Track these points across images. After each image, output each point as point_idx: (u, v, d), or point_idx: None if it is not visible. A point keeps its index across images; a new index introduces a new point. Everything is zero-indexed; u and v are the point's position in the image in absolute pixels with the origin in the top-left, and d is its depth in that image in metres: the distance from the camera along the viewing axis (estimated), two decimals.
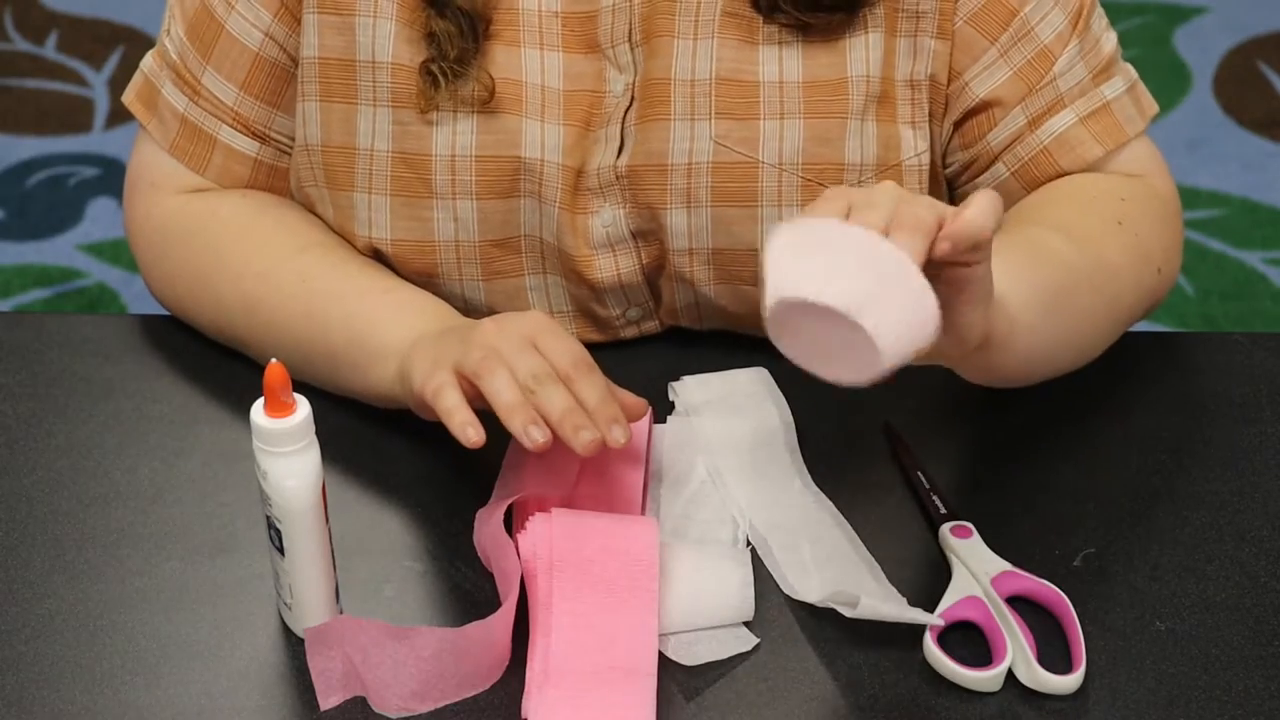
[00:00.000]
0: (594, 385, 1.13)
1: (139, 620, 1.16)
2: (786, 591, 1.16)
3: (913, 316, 0.99)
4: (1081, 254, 1.24)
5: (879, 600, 1.13)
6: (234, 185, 1.37)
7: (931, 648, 1.12)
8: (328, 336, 1.27)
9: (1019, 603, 1.15)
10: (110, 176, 2.89)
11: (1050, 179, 1.32)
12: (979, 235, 1.02)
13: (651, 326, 1.37)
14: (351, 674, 1.10)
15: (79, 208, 2.84)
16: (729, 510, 1.22)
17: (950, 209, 1.04)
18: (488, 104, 1.27)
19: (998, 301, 1.10)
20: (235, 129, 1.34)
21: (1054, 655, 1.12)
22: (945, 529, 1.20)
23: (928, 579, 1.17)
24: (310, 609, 1.13)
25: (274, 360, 1.07)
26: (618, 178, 1.29)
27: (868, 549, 1.19)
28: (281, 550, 1.11)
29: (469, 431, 1.11)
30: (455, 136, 1.28)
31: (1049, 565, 1.19)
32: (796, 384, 1.30)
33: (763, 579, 1.17)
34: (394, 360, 1.22)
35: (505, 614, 1.10)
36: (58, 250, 2.76)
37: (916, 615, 1.12)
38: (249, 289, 1.31)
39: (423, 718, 1.10)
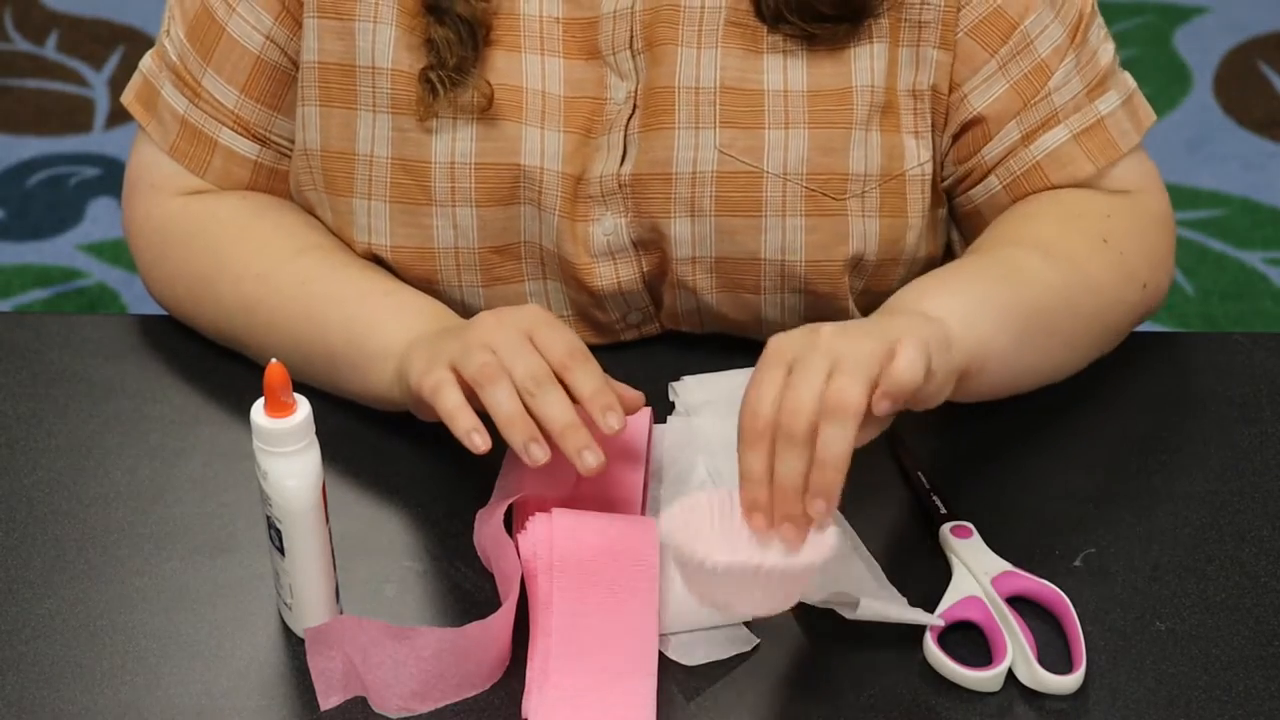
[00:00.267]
0: (590, 375, 1.13)
1: (139, 620, 1.16)
2: None
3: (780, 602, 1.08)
4: (1060, 273, 1.24)
5: (879, 601, 1.13)
6: (234, 188, 1.37)
7: (931, 648, 1.12)
8: (327, 338, 1.27)
9: (1019, 603, 1.15)
10: (110, 176, 2.89)
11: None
12: (913, 385, 1.07)
13: (652, 329, 1.37)
14: (351, 674, 1.10)
15: (79, 208, 2.84)
16: None
17: (881, 364, 1.07)
18: (487, 111, 1.27)
19: (961, 332, 1.13)
20: (236, 131, 1.34)
21: (1054, 655, 1.12)
22: (945, 529, 1.20)
23: (928, 579, 1.17)
24: (310, 609, 1.13)
25: (274, 360, 1.07)
26: (620, 186, 1.28)
27: (868, 549, 1.19)
28: (281, 550, 1.11)
29: (475, 438, 1.11)
30: (455, 143, 1.28)
31: (1049, 565, 1.18)
32: None
33: None
34: (392, 361, 1.22)
35: (505, 614, 1.10)
36: (58, 250, 2.76)
37: (917, 615, 1.13)
38: (248, 291, 1.31)
39: (423, 718, 1.10)
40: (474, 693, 1.11)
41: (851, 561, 1.18)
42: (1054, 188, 1.31)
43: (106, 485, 1.26)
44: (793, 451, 1.06)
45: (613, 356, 1.29)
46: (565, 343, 1.14)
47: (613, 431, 1.11)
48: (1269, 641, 1.14)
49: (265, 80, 1.33)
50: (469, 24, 1.26)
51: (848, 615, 1.11)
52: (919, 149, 1.30)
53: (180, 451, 1.28)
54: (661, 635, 1.13)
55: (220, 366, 1.34)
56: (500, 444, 1.13)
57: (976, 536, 1.19)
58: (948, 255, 1.40)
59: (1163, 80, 3.08)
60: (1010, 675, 1.11)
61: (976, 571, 1.16)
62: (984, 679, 1.10)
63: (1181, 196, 2.82)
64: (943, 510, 1.21)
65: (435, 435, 1.17)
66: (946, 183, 1.35)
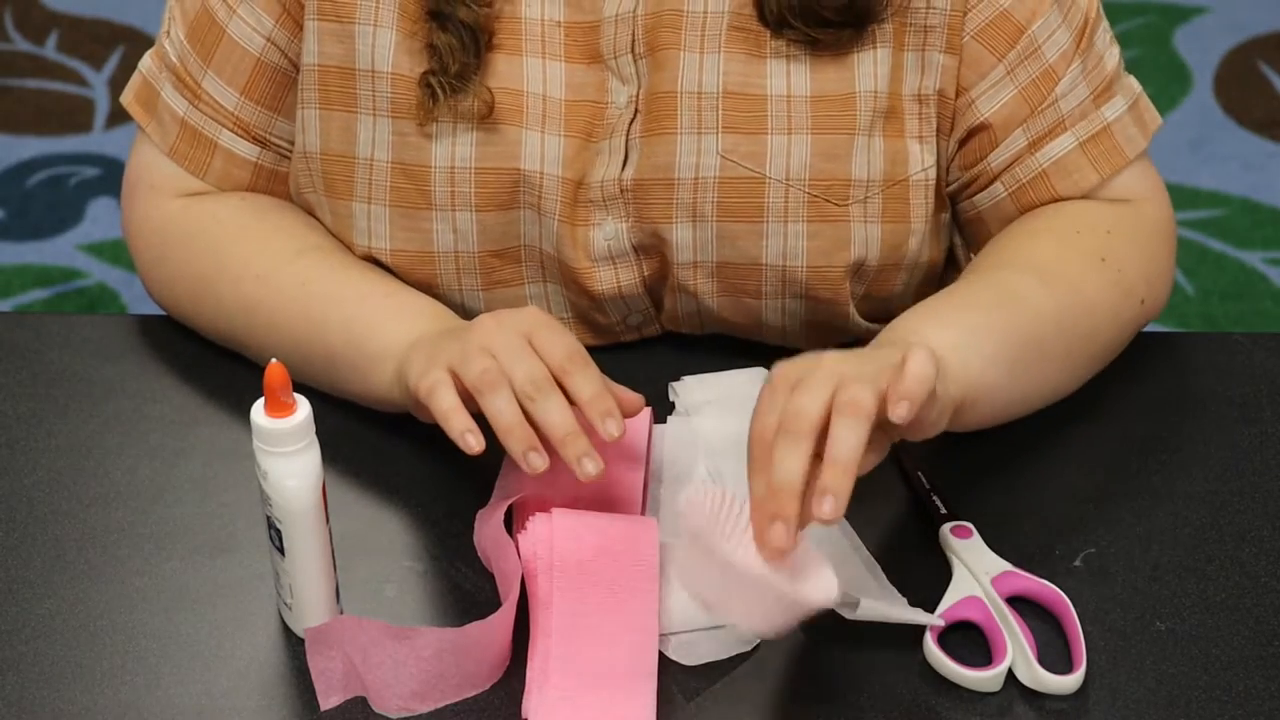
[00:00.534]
0: (589, 380, 1.13)
1: (139, 620, 1.16)
2: None
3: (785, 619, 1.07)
4: (1055, 297, 1.24)
5: (879, 601, 1.13)
6: (234, 189, 1.37)
7: (932, 648, 1.12)
8: (326, 339, 1.27)
9: (1019, 603, 1.15)
10: (110, 176, 2.89)
11: (1045, 204, 1.32)
12: (928, 385, 1.05)
13: (652, 331, 1.37)
14: (352, 674, 1.10)
15: (79, 208, 2.84)
16: None
17: (889, 374, 1.06)
18: (487, 118, 1.27)
19: (955, 366, 1.13)
20: (236, 133, 1.34)
21: (1054, 655, 1.12)
22: (945, 529, 1.20)
23: (928, 579, 1.17)
24: (310, 609, 1.13)
25: (274, 360, 1.07)
26: (622, 191, 1.28)
27: (868, 549, 1.19)
28: (282, 550, 1.11)
29: (469, 439, 1.11)
30: (455, 148, 1.28)
31: (1049, 565, 1.19)
32: None
33: None
34: (392, 362, 1.22)
35: (505, 614, 1.10)
36: (58, 250, 2.76)
37: (917, 616, 1.13)
38: (248, 291, 1.31)
39: (423, 718, 1.10)
40: (474, 693, 1.11)
41: (851, 561, 1.18)
42: (1059, 198, 1.31)
43: (106, 485, 1.26)
44: (792, 449, 1.03)
45: (612, 357, 1.29)
46: (564, 346, 1.14)
47: (612, 438, 1.11)
48: (1269, 641, 1.14)
49: (265, 82, 1.33)
50: (471, 29, 1.26)
51: (848, 615, 1.11)
52: (923, 154, 1.30)
53: (180, 451, 1.28)
54: (661, 635, 1.13)
55: (220, 366, 1.34)
56: (497, 444, 1.13)
57: (976, 536, 1.19)
58: (950, 260, 1.40)
59: (1163, 80, 3.08)
60: (1010, 675, 1.11)
61: (976, 571, 1.16)
62: (984, 679, 1.10)
63: (1182, 196, 2.82)
64: (943, 510, 1.21)
65: (435, 435, 1.17)
66: (951, 188, 1.34)
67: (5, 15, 3.26)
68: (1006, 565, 1.17)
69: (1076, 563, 1.20)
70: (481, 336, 1.15)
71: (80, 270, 2.72)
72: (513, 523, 1.18)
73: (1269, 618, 1.16)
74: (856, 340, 1.34)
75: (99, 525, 1.23)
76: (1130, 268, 1.30)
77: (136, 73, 1.38)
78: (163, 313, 1.39)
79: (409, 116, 1.28)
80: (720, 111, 1.27)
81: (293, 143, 1.35)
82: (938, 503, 1.22)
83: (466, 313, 1.31)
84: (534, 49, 1.27)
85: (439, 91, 1.26)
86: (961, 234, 1.39)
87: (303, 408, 1.07)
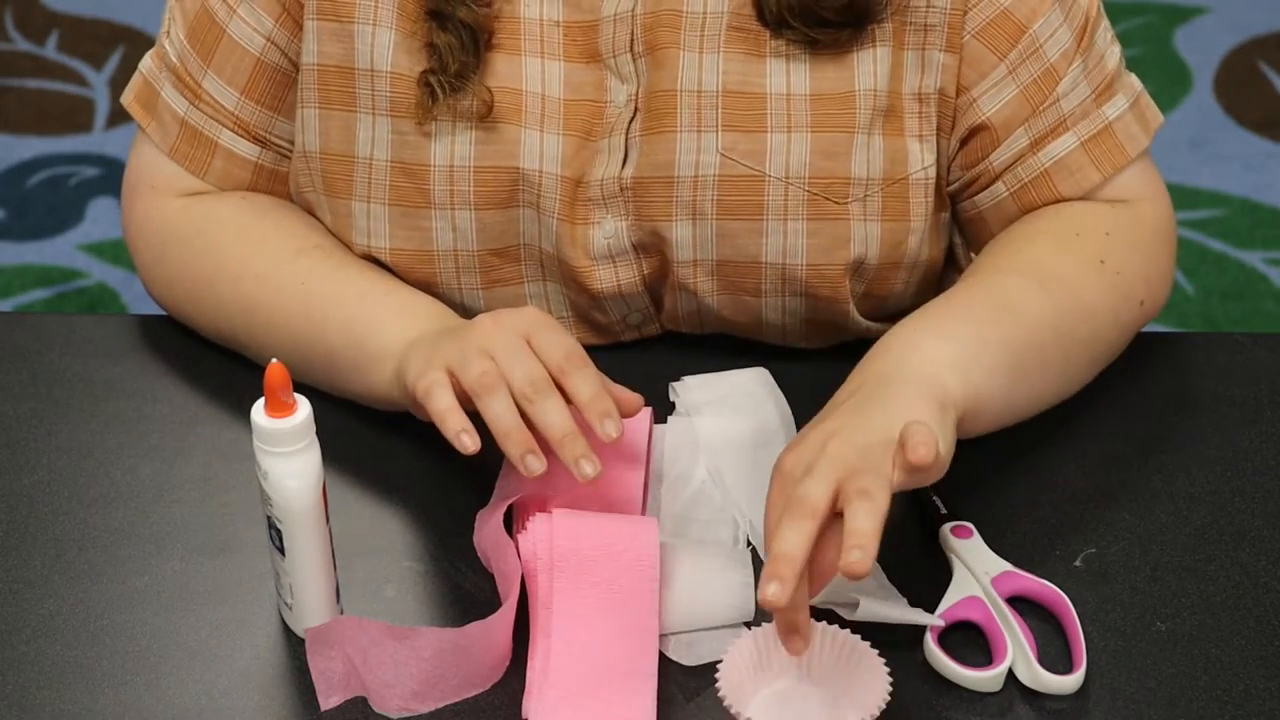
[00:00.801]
0: (587, 380, 1.13)
1: (139, 620, 1.16)
2: None
3: None
4: (1053, 302, 1.24)
5: (880, 601, 1.13)
6: (234, 189, 1.37)
7: (932, 648, 1.12)
8: (326, 339, 1.27)
9: (1019, 603, 1.15)
10: (111, 176, 2.89)
11: (1047, 203, 1.32)
12: (936, 455, 1.06)
13: (652, 330, 1.37)
14: (352, 674, 1.10)
15: (79, 208, 2.84)
16: (729, 510, 1.22)
17: (894, 443, 1.08)
18: (486, 117, 1.27)
19: (954, 378, 1.15)
20: (236, 133, 1.34)
21: (1054, 655, 1.12)
22: (945, 529, 1.20)
23: (928, 579, 1.17)
24: (310, 609, 1.13)
25: (275, 360, 1.07)
26: (621, 189, 1.28)
27: None
28: (282, 550, 1.11)
29: (464, 439, 1.11)
30: (454, 147, 1.28)
31: (1049, 565, 1.19)
32: (797, 384, 1.30)
33: None
34: (391, 362, 1.22)
35: (505, 614, 1.10)
36: (58, 250, 2.76)
37: (917, 616, 1.13)
38: (248, 291, 1.31)
39: (423, 718, 1.10)
40: (474, 693, 1.11)
41: None
42: (1061, 197, 1.31)
43: (106, 485, 1.26)
44: (796, 526, 1.05)
45: (612, 357, 1.29)
46: (563, 347, 1.14)
47: (610, 439, 1.12)
48: (1269, 641, 1.14)
49: (266, 82, 1.33)
50: (470, 29, 1.26)
51: (848, 615, 1.11)
52: (923, 153, 1.30)
53: (180, 451, 1.28)
54: (661, 635, 1.13)
55: (220, 366, 1.34)
56: (497, 445, 1.13)
57: (976, 536, 1.19)
58: (950, 259, 1.40)
59: (1163, 80, 3.08)
60: (1010, 675, 1.11)
61: (977, 571, 1.16)
62: (984, 679, 1.10)
63: (1182, 196, 2.82)
64: (943, 510, 1.21)
65: (435, 435, 1.17)
66: (952, 187, 1.34)
67: (5, 15, 3.26)
68: (1006, 565, 1.17)
69: (1076, 563, 1.20)
70: (480, 337, 1.15)
71: (80, 270, 2.72)
72: (513, 523, 1.18)
73: (1269, 618, 1.16)
74: (856, 339, 1.34)
75: (99, 525, 1.23)
76: (1129, 270, 1.30)
77: (137, 73, 1.38)
78: (163, 313, 1.39)
79: (408, 116, 1.28)
80: (720, 110, 1.27)
81: (293, 142, 1.35)
82: (938, 503, 1.22)
83: (466, 311, 1.31)
84: (533, 48, 1.27)
85: (438, 91, 1.26)
86: (962, 233, 1.39)
87: (303, 408, 1.07)
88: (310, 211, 1.36)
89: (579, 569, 1.12)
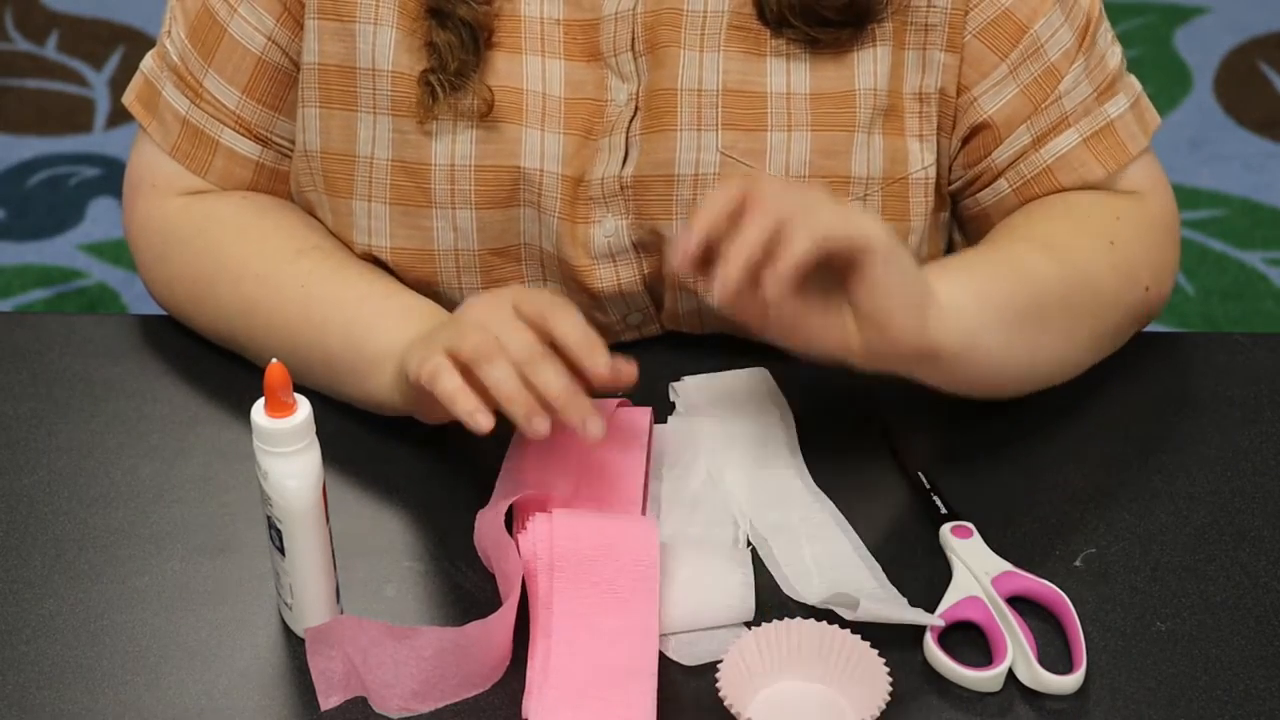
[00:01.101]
0: (572, 326, 1.12)
1: (139, 620, 1.16)
2: (787, 592, 1.16)
3: None
4: (1063, 272, 1.24)
5: (880, 602, 1.13)
6: (235, 188, 1.37)
7: (932, 648, 1.12)
8: (325, 342, 1.27)
9: (1019, 603, 1.15)
10: (111, 176, 2.89)
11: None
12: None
13: (652, 330, 1.37)
14: (352, 674, 1.10)
15: (80, 208, 2.84)
16: (729, 510, 1.22)
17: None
18: (486, 115, 1.27)
19: (950, 314, 1.14)
20: (237, 132, 1.34)
21: (1054, 655, 1.12)
22: (945, 529, 1.20)
23: (928, 579, 1.17)
24: (310, 609, 1.13)
25: (275, 360, 1.07)
26: (622, 188, 1.28)
27: (868, 549, 1.19)
28: (282, 550, 1.11)
29: (479, 418, 1.10)
30: (455, 146, 1.28)
31: (1049, 565, 1.19)
32: (797, 384, 1.30)
33: (763, 579, 1.17)
34: (391, 364, 1.21)
35: (506, 614, 1.10)
36: (58, 250, 2.76)
37: (917, 616, 1.13)
38: (248, 292, 1.31)
39: (423, 718, 1.10)
40: (474, 693, 1.11)
41: (851, 561, 1.18)
42: (1064, 190, 1.32)
43: (106, 485, 1.26)
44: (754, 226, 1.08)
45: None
46: (544, 302, 1.14)
47: (600, 373, 1.11)
48: (1269, 641, 1.14)
49: (267, 81, 1.33)
50: (471, 27, 1.26)
51: (848, 615, 1.11)
52: (923, 152, 1.30)
53: (180, 451, 1.28)
54: (661, 635, 1.13)
55: (220, 366, 1.34)
56: (500, 444, 1.13)
57: (976, 536, 1.19)
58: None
59: (1163, 80, 3.08)
60: (1010, 675, 1.11)
61: (977, 571, 1.16)
62: (984, 679, 1.10)
63: (1182, 196, 2.80)
64: (943, 510, 1.21)
65: (435, 435, 1.17)
66: (954, 186, 1.34)
67: (5, 15, 3.26)
68: (1006, 565, 1.17)
69: (1076, 563, 1.20)
70: (471, 314, 1.15)
71: (80, 270, 2.72)
72: (513, 523, 1.18)
73: (1269, 618, 1.16)
74: None
75: (99, 525, 1.23)
76: (1137, 254, 1.30)
77: (138, 72, 1.38)
78: (163, 313, 1.39)
79: (409, 114, 1.28)
80: (720, 108, 1.27)
81: (294, 142, 1.35)
82: (938, 503, 1.22)
83: None
84: (533, 47, 1.27)
85: (439, 89, 1.26)
86: (963, 231, 1.39)
87: (303, 408, 1.07)
88: (311, 211, 1.36)
89: (579, 569, 1.12)
